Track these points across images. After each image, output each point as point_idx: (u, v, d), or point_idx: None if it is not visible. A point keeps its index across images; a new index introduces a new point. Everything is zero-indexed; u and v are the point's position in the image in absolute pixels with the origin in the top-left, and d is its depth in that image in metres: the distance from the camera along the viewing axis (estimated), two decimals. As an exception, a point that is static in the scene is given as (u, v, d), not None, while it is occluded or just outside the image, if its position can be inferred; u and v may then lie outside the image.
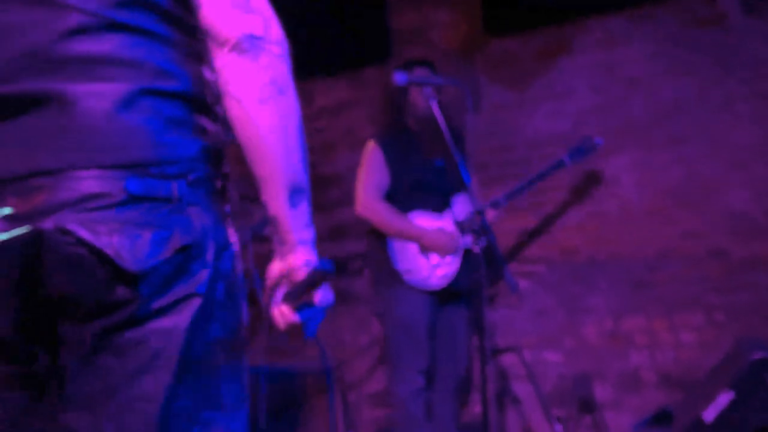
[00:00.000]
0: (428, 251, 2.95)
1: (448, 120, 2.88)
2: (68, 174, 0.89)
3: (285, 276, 1.06)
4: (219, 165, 1.01)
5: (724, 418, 2.48)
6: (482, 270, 2.77)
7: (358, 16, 4.02)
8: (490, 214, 2.98)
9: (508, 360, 3.66)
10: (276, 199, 1.03)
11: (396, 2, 4.00)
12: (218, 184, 1.01)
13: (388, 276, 2.96)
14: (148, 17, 0.96)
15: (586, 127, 3.54)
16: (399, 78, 2.83)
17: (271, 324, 1.06)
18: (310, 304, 1.04)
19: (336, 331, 4.10)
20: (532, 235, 3.70)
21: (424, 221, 3.00)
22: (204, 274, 0.93)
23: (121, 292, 0.88)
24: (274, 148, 1.00)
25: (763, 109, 3.34)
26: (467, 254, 2.97)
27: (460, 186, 2.90)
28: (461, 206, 3.05)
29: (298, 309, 1.03)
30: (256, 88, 0.98)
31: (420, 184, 3.02)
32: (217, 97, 1.01)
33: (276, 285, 1.07)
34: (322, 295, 1.06)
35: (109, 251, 0.87)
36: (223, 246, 0.97)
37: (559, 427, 3.40)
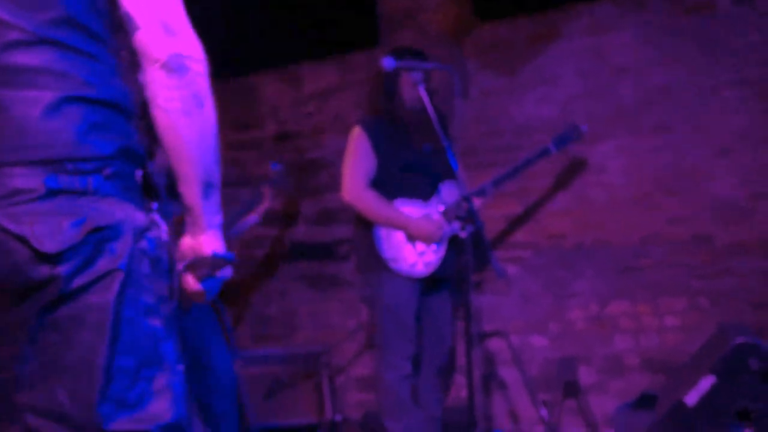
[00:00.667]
0: (414, 239, 2.96)
1: (436, 106, 2.88)
2: (0, 171, 1.06)
3: (193, 250, 1.27)
4: (139, 163, 1.18)
5: (706, 401, 2.52)
6: (469, 256, 2.78)
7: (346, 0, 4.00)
8: (477, 201, 2.99)
9: (495, 345, 3.69)
10: (192, 192, 1.22)
11: (385, -14, 3.98)
12: (138, 178, 1.17)
13: (375, 263, 2.96)
14: (77, 36, 1.13)
15: (574, 113, 3.55)
16: (387, 63, 2.82)
17: (181, 288, 1.28)
18: (211, 276, 1.28)
19: (324, 315, 4.12)
20: (519, 220, 3.72)
21: (410, 208, 3.00)
22: (123, 253, 1.08)
23: (44, 270, 1.05)
24: (193, 151, 1.19)
25: (750, 97, 3.35)
26: (454, 241, 2.98)
27: (448, 172, 2.90)
28: (448, 192, 3.06)
29: (201, 279, 1.27)
30: (182, 101, 1.17)
31: (407, 170, 3.01)
32: (139, 105, 1.19)
33: (184, 257, 1.28)
34: (221, 272, 1.30)
35: (29, 237, 1.04)
36: (145, 228, 1.13)
37: (544, 411, 3.44)
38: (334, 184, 3.13)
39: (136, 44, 1.16)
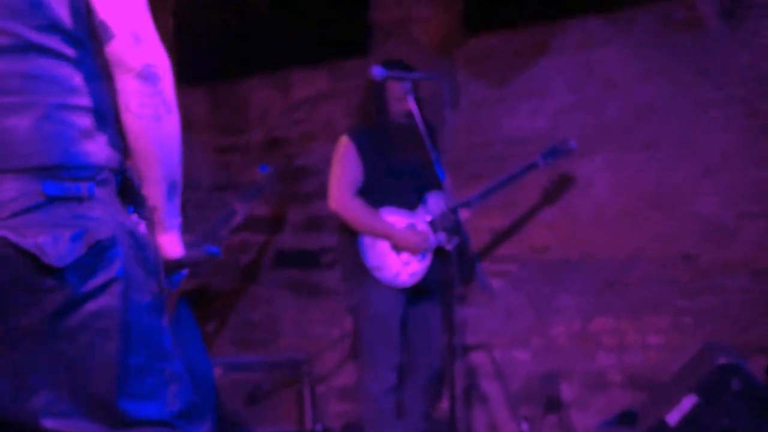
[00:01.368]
0: (399, 249, 2.94)
1: (424, 116, 2.88)
2: None
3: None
4: (121, 166, 1.23)
5: (688, 421, 2.51)
6: (454, 268, 2.77)
7: (340, 7, 3.99)
8: (463, 213, 2.98)
9: (478, 358, 3.68)
10: (158, 193, 1.27)
11: (377, -5, 3.98)
12: (119, 182, 1.23)
13: (360, 272, 2.95)
14: (63, 42, 1.16)
15: (563, 126, 3.55)
16: (377, 72, 2.82)
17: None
18: (177, 273, 1.37)
19: (307, 324, 4.09)
20: (505, 233, 3.71)
21: (396, 217, 2.99)
22: (119, 261, 1.14)
23: (50, 281, 1.09)
24: (161, 154, 1.24)
25: (738, 116, 3.36)
26: (439, 252, 2.97)
27: (435, 183, 2.90)
28: (435, 203, 3.05)
29: (168, 274, 1.33)
30: (154, 107, 1.21)
31: (393, 179, 3.01)
32: (115, 110, 1.24)
33: None
34: (182, 271, 1.39)
35: (34, 251, 1.07)
36: (132, 231, 1.19)
37: (525, 426, 3.43)
38: (322, 191, 3.12)
39: (109, 52, 1.20)
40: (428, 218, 3.00)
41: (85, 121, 1.16)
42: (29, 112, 1.11)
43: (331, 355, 3.93)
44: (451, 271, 2.77)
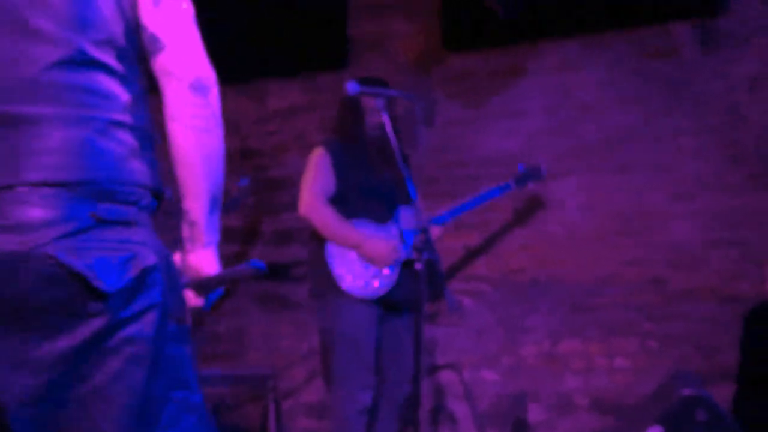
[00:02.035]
0: (368, 259, 2.91)
1: (397, 133, 2.86)
2: (42, 191, 1.05)
3: (195, 267, 1.30)
4: (161, 188, 1.21)
5: (652, 450, 2.50)
6: (423, 286, 2.74)
7: (317, 20, 3.97)
8: (433, 231, 2.96)
9: (446, 377, 3.65)
10: (200, 208, 1.26)
11: (356, 11, 3.96)
12: (155, 205, 1.21)
13: (330, 286, 2.91)
14: (118, 58, 1.16)
15: (537, 148, 3.56)
16: (351, 87, 2.79)
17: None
18: (213, 291, 1.32)
19: (275, 337, 4.04)
20: (477, 253, 3.70)
21: (366, 230, 2.96)
22: (158, 287, 1.12)
23: (96, 305, 1.06)
24: (206, 167, 1.23)
25: (710, 144, 3.39)
26: (408, 267, 2.94)
27: (407, 199, 2.88)
28: (405, 219, 3.03)
29: (203, 295, 1.30)
30: (204, 119, 1.22)
31: (365, 192, 2.99)
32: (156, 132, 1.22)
33: (184, 273, 1.31)
34: (219, 289, 1.35)
35: (86, 275, 1.05)
36: (167, 256, 1.17)
37: (491, 447, 3.40)
38: (294, 203, 3.09)
39: (160, 63, 1.20)
40: (398, 231, 2.99)
41: (134, 140, 1.15)
42: (87, 126, 1.09)
43: (298, 370, 3.87)
44: (420, 290, 2.74)
